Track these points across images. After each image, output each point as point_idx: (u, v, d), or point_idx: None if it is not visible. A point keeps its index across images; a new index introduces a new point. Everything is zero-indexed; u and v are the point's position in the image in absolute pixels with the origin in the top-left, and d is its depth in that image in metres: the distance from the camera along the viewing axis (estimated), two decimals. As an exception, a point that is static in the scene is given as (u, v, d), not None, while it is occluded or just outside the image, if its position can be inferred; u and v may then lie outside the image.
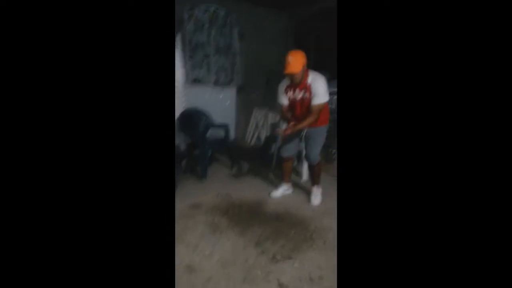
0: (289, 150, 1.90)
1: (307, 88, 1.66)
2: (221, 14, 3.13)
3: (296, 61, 1.58)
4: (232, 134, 3.45)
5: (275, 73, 3.47)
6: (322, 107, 1.66)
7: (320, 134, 1.78)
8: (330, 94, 2.34)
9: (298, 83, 1.66)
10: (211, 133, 2.56)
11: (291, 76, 1.62)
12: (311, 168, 1.88)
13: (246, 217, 1.63)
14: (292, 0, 3.21)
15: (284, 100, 1.79)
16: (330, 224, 1.57)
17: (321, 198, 1.88)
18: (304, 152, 1.88)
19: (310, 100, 1.66)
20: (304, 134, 1.81)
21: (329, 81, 1.96)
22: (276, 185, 2.08)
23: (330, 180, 2.35)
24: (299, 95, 1.71)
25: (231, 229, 1.49)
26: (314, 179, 1.89)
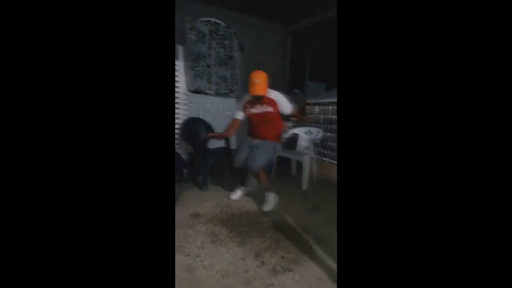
0: (258, 161, 1.87)
1: (271, 103, 1.88)
2: (221, 25, 3.22)
3: (263, 83, 1.80)
4: (233, 144, 3.48)
5: (274, 83, 3.55)
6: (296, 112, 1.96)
7: (267, 147, 1.93)
8: (327, 104, 2.45)
9: (258, 100, 1.87)
10: (212, 143, 2.59)
11: (257, 97, 1.83)
12: (254, 175, 1.92)
13: (246, 227, 1.64)
14: (290, 13, 3.31)
15: (239, 115, 2.00)
16: (329, 234, 1.58)
17: (273, 204, 1.91)
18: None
19: (275, 112, 1.91)
20: (254, 144, 1.98)
21: (326, 92, 2.02)
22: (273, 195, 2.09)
23: (328, 189, 2.36)
24: (262, 109, 1.91)
25: (230, 239, 1.50)
26: (262, 186, 1.94)
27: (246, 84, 3.49)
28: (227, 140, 2.54)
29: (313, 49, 3.92)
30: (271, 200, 1.93)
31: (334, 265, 1.29)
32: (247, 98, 1.96)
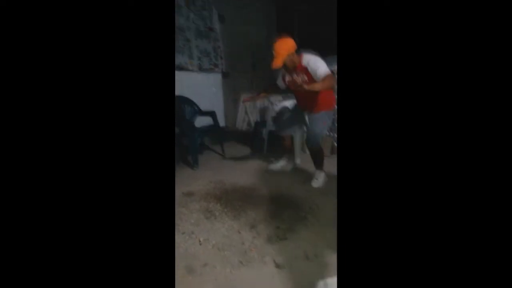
0: (285, 129, 2.01)
1: (303, 70, 1.65)
2: (199, -5, 2.98)
3: (278, 54, 1.59)
4: (222, 121, 3.40)
5: (260, 56, 3.40)
6: (331, 77, 1.52)
7: (319, 120, 1.75)
8: None
9: (291, 69, 1.70)
10: (199, 121, 2.51)
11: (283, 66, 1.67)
12: (311, 152, 1.87)
13: (240, 201, 1.63)
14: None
15: (280, 83, 1.91)
16: (323, 203, 1.60)
17: (322, 182, 1.86)
18: (305, 136, 1.97)
19: (309, 82, 1.62)
20: (307, 117, 1.87)
21: None
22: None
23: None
24: (298, 78, 1.72)
25: (225, 214, 1.49)
26: (314, 163, 1.89)
27: (231, 57, 3.34)
28: (215, 117, 2.47)
29: (300, 16, 3.73)
30: (322, 178, 1.86)
31: (328, 232, 1.32)
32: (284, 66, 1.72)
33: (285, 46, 1.60)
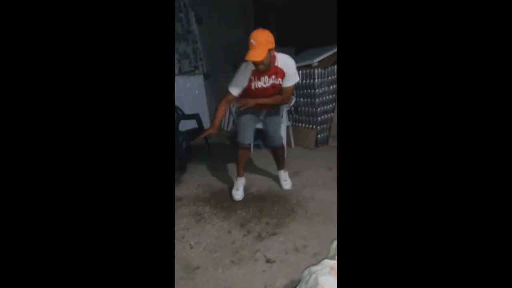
0: (249, 137, 1.64)
1: (278, 73, 1.42)
2: (174, -3, 2.94)
3: (260, 45, 1.27)
4: (206, 123, 3.38)
5: (241, 56, 3.39)
6: (292, 88, 1.51)
7: (280, 114, 1.73)
8: (297, 69, 2.30)
9: (265, 70, 1.38)
10: (183, 125, 2.49)
11: (255, 64, 1.34)
12: (275, 152, 1.76)
13: (229, 202, 1.65)
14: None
15: (236, 90, 1.48)
16: (310, 195, 1.64)
17: (291, 181, 1.79)
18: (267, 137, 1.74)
19: (279, 86, 1.46)
20: (264, 115, 1.63)
21: (295, 56, 1.92)
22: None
23: (305, 153, 2.42)
24: (269, 82, 1.44)
25: (215, 215, 1.51)
26: (280, 163, 1.80)
27: (210, 59, 3.32)
28: (198, 120, 2.46)
29: (276, 11, 3.75)
30: (288, 176, 1.80)
31: (315, 223, 1.36)
32: (250, 66, 1.39)
33: (265, 37, 1.29)
